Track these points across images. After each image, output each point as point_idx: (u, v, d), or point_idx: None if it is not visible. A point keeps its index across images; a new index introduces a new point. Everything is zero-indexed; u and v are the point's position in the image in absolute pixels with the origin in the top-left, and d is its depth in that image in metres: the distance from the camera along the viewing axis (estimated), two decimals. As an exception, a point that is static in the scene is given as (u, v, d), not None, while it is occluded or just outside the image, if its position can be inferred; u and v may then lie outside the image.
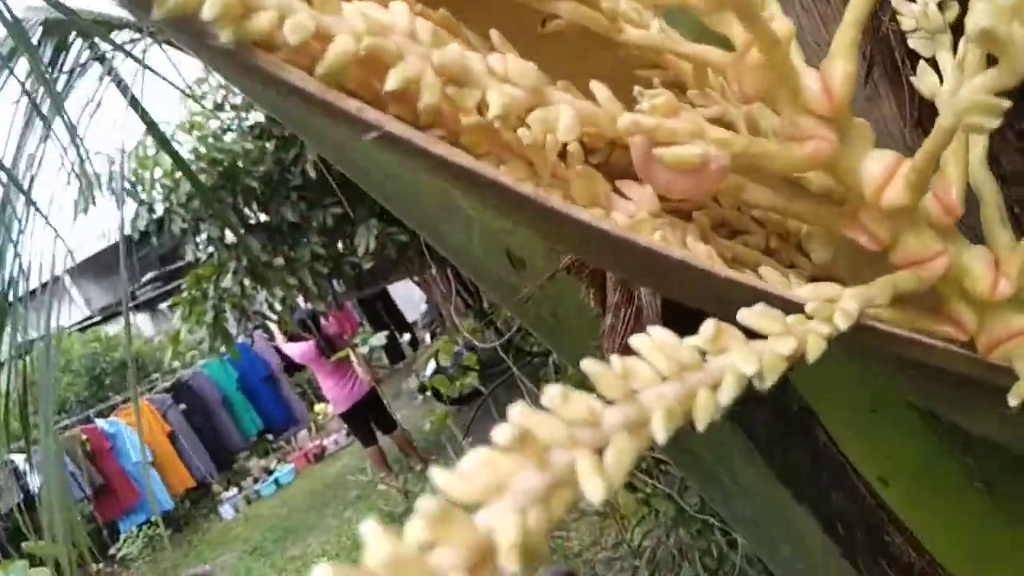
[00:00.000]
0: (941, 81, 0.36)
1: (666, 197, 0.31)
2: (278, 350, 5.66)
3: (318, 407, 7.20)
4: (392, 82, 0.21)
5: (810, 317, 0.24)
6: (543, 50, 0.31)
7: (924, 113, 0.39)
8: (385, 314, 6.57)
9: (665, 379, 0.19)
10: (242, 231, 4.41)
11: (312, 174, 4.06)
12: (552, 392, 0.17)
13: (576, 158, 0.29)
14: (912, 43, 0.36)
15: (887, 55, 0.39)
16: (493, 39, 0.28)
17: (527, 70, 0.23)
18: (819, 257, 0.34)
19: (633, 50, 0.31)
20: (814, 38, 0.39)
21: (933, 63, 0.37)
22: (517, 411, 0.17)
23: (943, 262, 0.29)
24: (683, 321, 0.40)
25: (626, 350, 0.21)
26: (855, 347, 0.34)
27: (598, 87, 0.24)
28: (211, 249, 4.43)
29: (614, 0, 0.29)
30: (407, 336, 6.68)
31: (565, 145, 0.29)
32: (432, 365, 4.52)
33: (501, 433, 0.16)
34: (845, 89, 0.27)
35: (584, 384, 0.20)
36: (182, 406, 6.12)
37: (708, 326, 0.21)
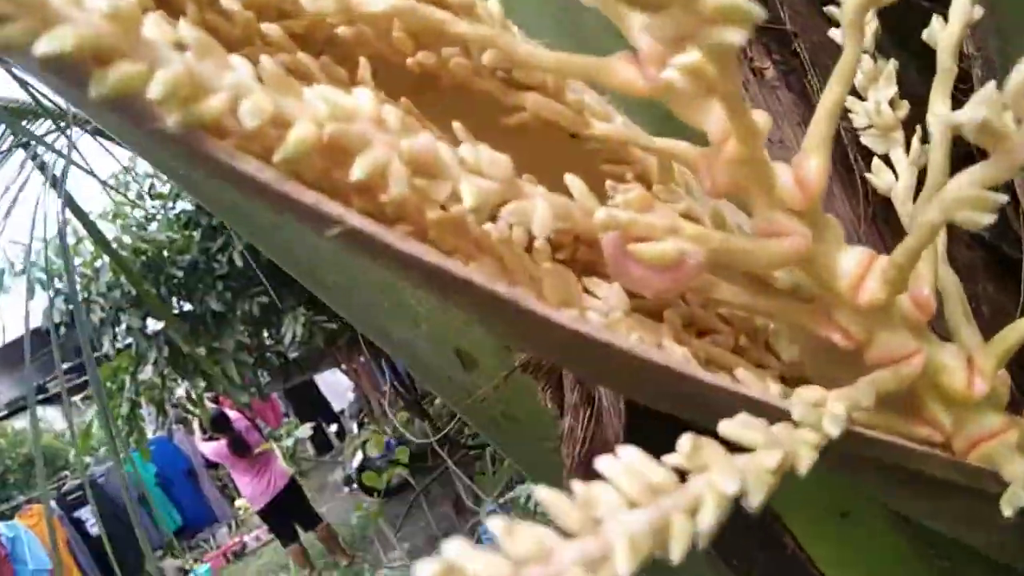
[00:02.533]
0: (896, 178, 0.36)
1: (633, 295, 0.29)
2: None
3: (239, 502, 6.88)
4: (359, 171, 0.19)
5: (796, 425, 0.23)
6: (505, 144, 0.29)
7: (880, 210, 0.39)
8: (311, 404, 6.39)
9: (635, 505, 0.17)
10: (164, 321, 4.27)
11: (239, 263, 3.98)
12: (496, 524, 0.15)
13: (543, 255, 0.27)
14: (864, 140, 0.37)
15: (839, 153, 0.39)
16: (456, 132, 0.26)
17: (500, 161, 0.21)
18: (788, 356, 0.33)
19: (597, 145, 0.30)
20: (768, 137, 0.39)
21: (886, 160, 0.37)
22: (454, 548, 0.14)
23: (920, 360, 0.28)
24: (648, 424, 0.38)
25: (589, 463, 0.19)
26: (827, 451, 0.32)
27: (573, 181, 0.22)
28: (129, 340, 4.26)
29: (579, 93, 0.28)
30: (334, 426, 6.50)
31: (530, 242, 0.27)
32: (359, 456, 4.38)
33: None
34: (819, 184, 0.26)
35: (547, 482, 0.17)
36: (90, 507, 5.75)
37: (685, 441, 0.19)
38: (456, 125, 0.26)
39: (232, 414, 4.56)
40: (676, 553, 0.15)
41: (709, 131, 0.24)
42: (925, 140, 0.36)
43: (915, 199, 0.35)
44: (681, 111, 0.24)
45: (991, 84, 0.28)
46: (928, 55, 0.32)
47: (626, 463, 0.18)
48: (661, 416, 0.38)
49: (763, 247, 0.26)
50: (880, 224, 0.39)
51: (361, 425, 5.18)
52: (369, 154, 0.19)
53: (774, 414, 0.25)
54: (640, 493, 0.17)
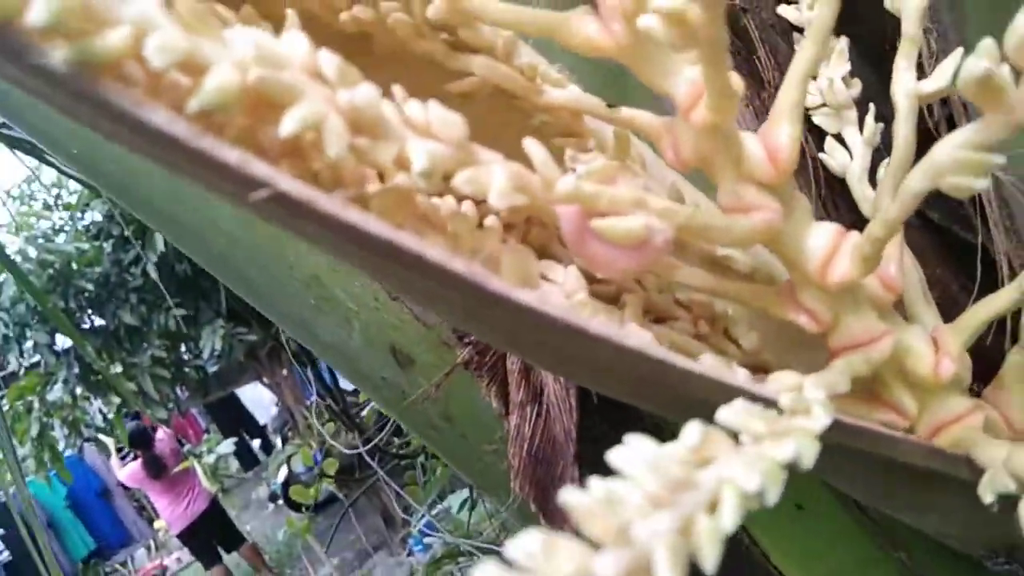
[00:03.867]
0: (851, 157, 0.34)
1: (590, 279, 0.27)
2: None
3: (158, 522, 6.61)
4: (290, 124, 0.16)
5: (783, 413, 0.21)
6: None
7: (826, 192, 0.38)
8: (234, 419, 6.18)
9: (659, 505, 0.15)
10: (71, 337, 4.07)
11: (154, 274, 3.83)
12: (532, 541, 0.12)
13: (494, 235, 0.24)
14: (816, 119, 0.35)
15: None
16: (395, 96, 0.24)
17: (453, 121, 0.19)
18: (749, 343, 0.31)
19: (547, 118, 0.28)
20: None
21: (838, 139, 0.35)
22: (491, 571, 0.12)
23: (889, 342, 0.27)
24: (598, 420, 0.36)
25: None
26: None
27: (534, 147, 0.20)
28: (37, 357, 4.05)
29: (531, 58, 0.26)
30: (257, 441, 6.30)
31: (480, 220, 0.25)
32: (284, 471, 4.25)
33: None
34: (791, 154, 0.24)
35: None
36: (-1, 532, 5.42)
37: (692, 432, 0.17)
38: (396, 89, 0.24)
39: (160, 433, 4.36)
40: (709, 560, 0.13)
41: (676, 96, 0.22)
42: (879, 118, 0.35)
43: (871, 180, 0.33)
44: (645, 73, 0.22)
45: (955, 55, 0.26)
46: (867, 39, 0.31)
47: (646, 457, 0.15)
48: (611, 412, 0.36)
49: (732, 223, 0.24)
50: (829, 207, 0.38)
51: (285, 440, 5.04)
52: (302, 107, 0.16)
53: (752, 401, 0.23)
54: (663, 491, 0.15)
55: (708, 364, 0.23)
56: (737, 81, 0.22)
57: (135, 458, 4.36)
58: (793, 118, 0.23)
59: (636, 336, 0.19)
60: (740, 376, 0.23)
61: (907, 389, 0.29)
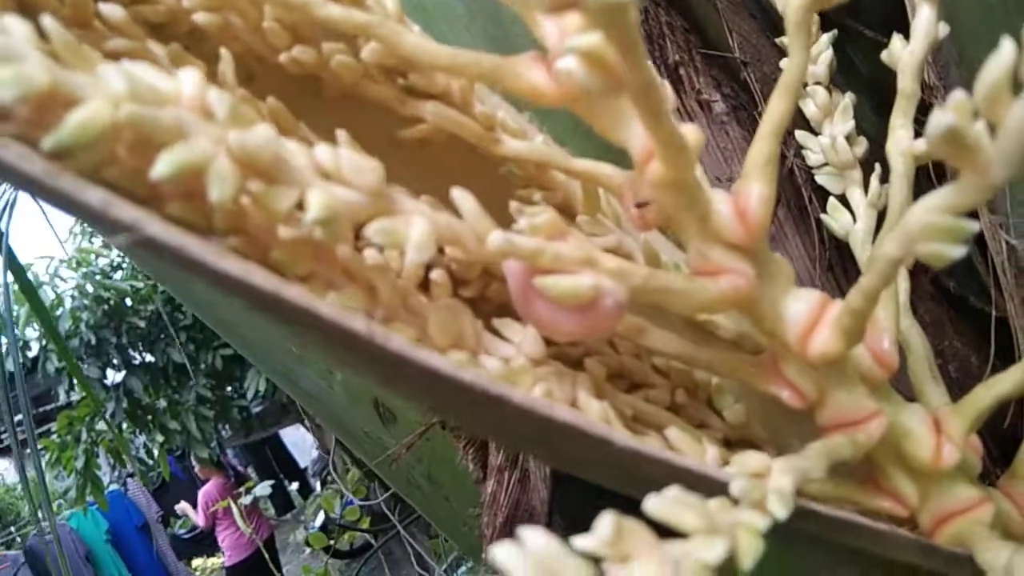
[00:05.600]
0: (854, 220, 0.32)
1: (552, 340, 0.25)
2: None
3: (196, 561, 6.60)
4: (163, 167, 0.15)
5: (737, 502, 0.19)
6: (406, 164, 0.25)
7: (835, 256, 0.35)
8: (274, 460, 6.18)
9: None
10: (124, 372, 4.15)
11: (203, 314, 3.89)
12: None
13: (442, 289, 0.23)
14: (819, 179, 0.33)
15: (792, 192, 0.35)
16: (339, 140, 0.22)
17: (367, 168, 0.17)
18: (733, 415, 0.29)
19: (513, 167, 0.26)
20: (715, 174, 0.35)
21: (843, 200, 0.33)
22: None
23: (880, 424, 0.24)
24: (579, 490, 0.33)
25: (512, 532, 0.14)
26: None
27: (462, 196, 0.18)
28: (87, 390, 4.13)
29: (490, 105, 0.24)
30: (295, 484, 6.29)
31: (428, 273, 0.23)
32: (322, 515, 4.22)
33: None
34: (762, 214, 0.22)
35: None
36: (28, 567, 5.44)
37: (605, 523, 0.15)
38: (340, 133, 0.22)
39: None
40: None
41: (631, 149, 0.20)
42: (885, 180, 0.32)
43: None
44: (598, 123, 0.20)
45: (958, 91, 0.24)
46: (885, 91, 0.29)
47: (536, 552, 0.13)
48: (590, 483, 0.33)
49: (697, 287, 0.22)
50: (838, 272, 0.36)
51: (324, 483, 5.03)
52: (180, 148, 0.15)
53: (711, 486, 0.21)
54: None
55: (664, 441, 0.21)
56: (694, 134, 0.20)
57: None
58: (764, 175, 0.21)
59: (565, 411, 0.17)
60: (696, 453, 0.20)
61: (907, 475, 0.26)
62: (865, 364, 0.25)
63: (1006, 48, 0.14)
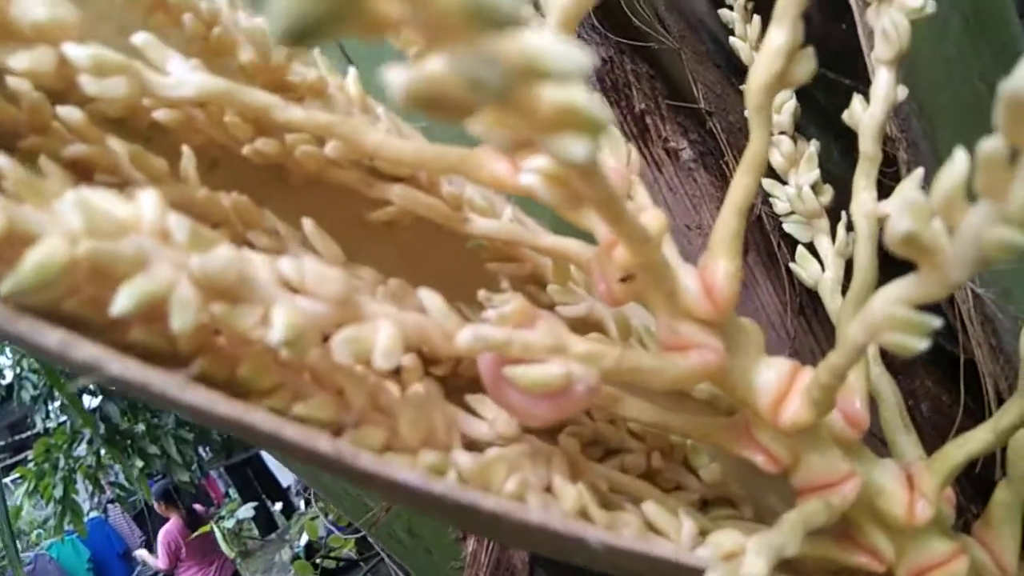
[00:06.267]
0: (823, 268, 0.33)
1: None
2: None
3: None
4: (124, 301, 0.14)
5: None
6: (377, 243, 0.25)
7: (806, 299, 0.36)
8: (256, 481, 6.13)
9: None
10: (100, 397, 4.10)
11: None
12: None
13: (413, 373, 0.23)
14: (787, 227, 0.33)
15: (761, 238, 0.35)
16: (305, 229, 0.22)
17: (331, 277, 0.17)
18: (709, 475, 0.29)
19: (483, 241, 0.26)
20: (684, 222, 0.36)
21: (811, 248, 0.34)
22: None
23: (854, 485, 0.24)
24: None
25: None
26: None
27: (428, 296, 0.18)
28: (64, 417, 4.08)
29: (457, 185, 0.24)
30: (279, 505, 6.24)
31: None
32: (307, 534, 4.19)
33: None
34: (730, 289, 0.22)
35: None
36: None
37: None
38: (307, 223, 0.22)
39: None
40: None
41: (596, 234, 0.20)
42: (851, 227, 0.33)
43: (843, 291, 0.31)
44: (562, 213, 0.20)
45: (913, 179, 0.25)
46: (852, 135, 0.29)
47: None
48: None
49: (667, 364, 0.22)
50: (809, 314, 0.36)
51: (308, 502, 4.99)
52: (143, 279, 0.15)
53: (688, 572, 0.21)
54: None
55: (629, 525, 0.21)
56: (657, 220, 0.20)
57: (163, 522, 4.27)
58: (730, 252, 0.22)
59: (538, 512, 0.17)
60: (665, 547, 0.20)
61: (882, 531, 0.27)
62: (837, 426, 0.25)
63: (959, 158, 0.14)
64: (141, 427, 4.12)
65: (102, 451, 4.12)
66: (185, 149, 0.21)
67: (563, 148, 0.11)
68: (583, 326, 0.26)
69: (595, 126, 0.10)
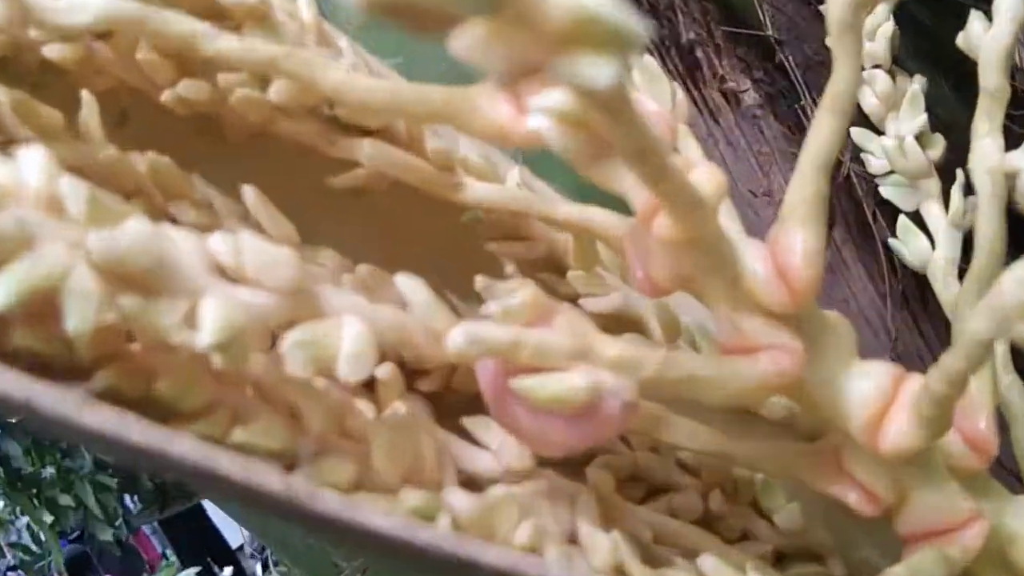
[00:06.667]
0: (932, 245, 0.32)
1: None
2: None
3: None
4: (2, 296, 0.14)
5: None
6: (337, 218, 0.25)
7: (911, 286, 0.35)
8: (199, 538, 6.17)
9: None
10: (-2, 433, 4.14)
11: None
12: None
13: (392, 388, 0.22)
14: (884, 191, 0.33)
15: (851, 207, 0.35)
16: (246, 200, 0.22)
17: (280, 261, 0.17)
18: (786, 520, 0.29)
19: (480, 213, 0.26)
20: (748, 186, 0.35)
21: (917, 218, 0.33)
22: None
23: (980, 530, 0.24)
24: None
25: None
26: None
27: (409, 285, 0.18)
28: (-48, 461, 4.12)
29: (447, 139, 0.24)
30: (228, 570, 6.28)
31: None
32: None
33: None
34: (810, 272, 0.21)
35: None
36: None
37: None
38: (248, 192, 0.22)
39: None
40: None
41: (630, 199, 0.20)
42: (970, 190, 0.32)
43: (961, 276, 0.31)
44: (585, 172, 0.20)
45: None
46: (970, 66, 0.29)
47: None
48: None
49: (728, 372, 0.21)
50: (915, 306, 0.36)
51: (266, 566, 5.02)
52: (25, 264, 0.14)
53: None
54: None
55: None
56: (714, 178, 0.20)
57: None
58: (810, 223, 0.21)
59: (559, 569, 0.17)
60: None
61: (1015, 588, 0.26)
62: (956, 452, 0.25)
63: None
64: (50, 471, 4.14)
65: (0, 503, 4.16)
66: (85, 96, 0.20)
67: (580, 71, 0.10)
68: (615, 324, 0.26)
69: (623, 39, 0.10)
